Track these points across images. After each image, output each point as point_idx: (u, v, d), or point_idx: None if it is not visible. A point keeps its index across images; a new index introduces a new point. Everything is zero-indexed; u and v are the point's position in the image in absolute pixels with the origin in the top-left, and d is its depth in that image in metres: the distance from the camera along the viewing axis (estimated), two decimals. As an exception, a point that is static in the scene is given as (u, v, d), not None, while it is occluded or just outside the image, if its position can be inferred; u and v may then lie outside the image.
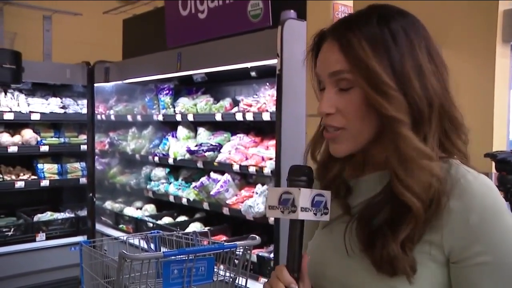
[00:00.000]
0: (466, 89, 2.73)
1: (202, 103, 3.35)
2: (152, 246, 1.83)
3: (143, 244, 1.80)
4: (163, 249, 1.67)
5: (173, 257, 1.35)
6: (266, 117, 2.67)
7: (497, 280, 0.81)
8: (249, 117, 2.81)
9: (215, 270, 1.46)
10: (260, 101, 2.87)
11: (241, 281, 1.50)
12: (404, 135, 0.84)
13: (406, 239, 0.83)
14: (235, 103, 3.20)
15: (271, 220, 2.50)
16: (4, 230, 3.80)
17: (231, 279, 1.55)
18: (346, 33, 0.87)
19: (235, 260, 1.52)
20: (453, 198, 0.83)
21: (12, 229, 3.83)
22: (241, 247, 1.51)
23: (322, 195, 0.89)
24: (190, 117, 3.33)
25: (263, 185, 2.90)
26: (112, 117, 4.09)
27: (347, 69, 0.87)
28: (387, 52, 0.85)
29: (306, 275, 0.91)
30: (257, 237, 1.51)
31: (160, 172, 3.75)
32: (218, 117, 3.08)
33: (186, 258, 1.34)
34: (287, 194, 0.88)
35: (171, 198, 3.47)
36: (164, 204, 3.78)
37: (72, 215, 4.25)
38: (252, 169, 2.80)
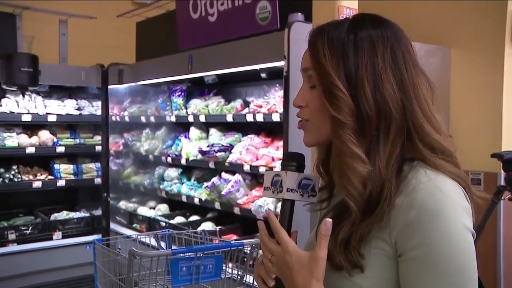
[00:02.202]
0: (475, 89, 2.72)
1: (213, 104, 3.40)
2: (163, 244, 1.88)
3: (156, 243, 1.85)
4: (173, 247, 1.71)
5: (181, 255, 1.39)
6: (276, 118, 2.70)
7: (423, 275, 0.83)
8: (259, 118, 2.84)
9: (223, 267, 1.50)
10: (270, 102, 2.91)
11: (249, 278, 1.54)
12: (340, 136, 0.89)
13: (349, 237, 0.88)
14: (246, 104, 3.24)
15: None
16: (22, 228, 3.90)
17: (238, 277, 1.59)
18: (316, 35, 0.95)
19: (244, 258, 1.56)
20: (401, 195, 0.86)
21: (30, 228, 3.92)
22: (248, 245, 1.56)
23: (310, 178, 0.98)
24: (202, 118, 3.38)
25: (273, 185, 2.93)
26: (126, 118, 4.17)
27: (311, 67, 0.94)
28: (344, 57, 0.90)
29: None
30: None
31: (173, 172, 3.81)
32: (229, 118, 3.12)
33: (195, 255, 1.39)
34: (277, 177, 0.97)
35: (184, 198, 3.52)
36: (177, 204, 3.84)
37: (87, 215, 4.33)
38: (262, 170, 2.83)
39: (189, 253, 1.40)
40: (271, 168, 2.78)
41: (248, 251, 1.59)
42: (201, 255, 1.40)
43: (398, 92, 0.90)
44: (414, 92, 0.91)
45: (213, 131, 3.53)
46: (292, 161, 0.98)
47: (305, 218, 1.22)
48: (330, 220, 0.88)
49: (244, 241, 1.55)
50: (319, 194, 1.04)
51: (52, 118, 4.07)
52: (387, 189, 0.87)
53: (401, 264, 0.86)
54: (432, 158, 0.89)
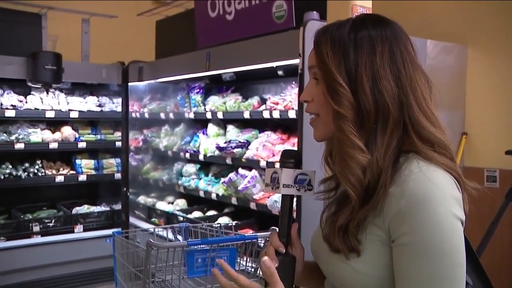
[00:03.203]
0: (491, 87, 2.69)
1: (231, 102, 3.44)
2: (180, 237, 1.93)
3: (173, 236, 1.91)
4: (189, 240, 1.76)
5: (196, 247, 1.44)
6: (292, 115, 2.72)
7: (412, 260, 0.87)
8: (276, 115, 2.88)
9: (238, 260, 1.55)
10: (286, 99, 2.94)
11: (263, 271, 1.58)
12: (341, 127, 0.94)
13: (348, 223, 0.94)
14: (263, 101, 3.28)
15: (295, 215, 2.56)
16: (46, 221, 4.02)
17: (253, 269, 1.63)
18: (320, 35, 1.00)
19: (259, 252, 1.60)
20: (394, 185, 0.91)
21: (53, 221, 4.05)
22: (262, 238, 1.60)
23: (306, 174, 1.03)
24: (220, 115, 3.43)
25: (288, 181, 2.96)
26: (146, 115, 4.24)
27: (316, 65, 1.00)
28: (344, 56, 0.95)
29: (297, 240, 1.07)
30: (277, 228, 1.59)
31: (191, 168, 3.87)
32: (247, 115, 3.16)
33: (209, 247, 1.44)
34: (275, 174, 1.04)
35: (201, 193, 3.58)
36: (194, 199, 3.90)
37: (108, 209, 4.43)
38: (278, 166, 2.85)
39: (204, 245, 1.45)
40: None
41: (262, 244, 1.63)
42: (216, 247, 1.44)
43: (395, 88, 0.94)
44: (411, 88, 0.95)
45: (230, 127, 3.57)
46: (289, 158, 1.04)
47: (317, 205, 1.26)
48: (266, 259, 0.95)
49: (258, 234, 1.59)
50: (328, 183, 1.09)
51: (74, 115, 4.17)
52: (383, 179, 0.92)
53: (394, 250, 0.90)
54: (425, 151, 0.93)
